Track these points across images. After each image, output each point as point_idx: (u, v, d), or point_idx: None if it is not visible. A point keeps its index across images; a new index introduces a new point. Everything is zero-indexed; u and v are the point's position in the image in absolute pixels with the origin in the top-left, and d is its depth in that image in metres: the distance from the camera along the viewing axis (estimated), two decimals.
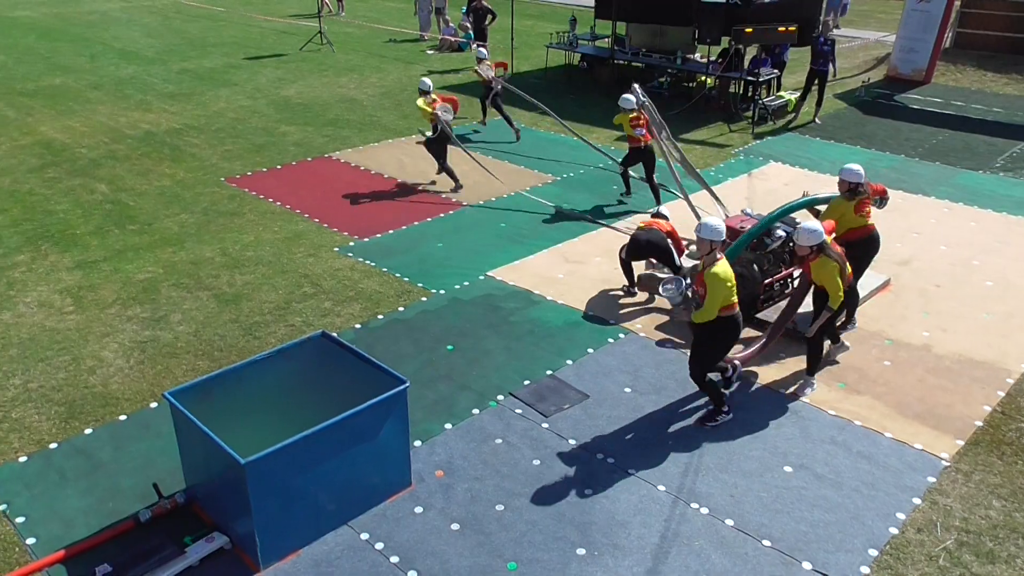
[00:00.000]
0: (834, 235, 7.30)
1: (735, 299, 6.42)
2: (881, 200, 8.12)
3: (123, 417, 6.77)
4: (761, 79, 15.72)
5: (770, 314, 8.19)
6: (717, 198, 10.21)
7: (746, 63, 16.07)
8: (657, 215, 9.02)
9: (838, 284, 6.61)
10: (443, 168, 11.71)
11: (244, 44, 23.30)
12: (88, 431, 6.59)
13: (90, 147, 13.78)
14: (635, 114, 10.58)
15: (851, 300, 7.55)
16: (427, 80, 11.66)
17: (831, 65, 15.07)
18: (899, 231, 10.44)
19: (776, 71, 16.73)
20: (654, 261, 8.87)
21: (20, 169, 12.67)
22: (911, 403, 7.04)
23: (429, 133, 11.65)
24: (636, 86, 10.62)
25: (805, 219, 7.54)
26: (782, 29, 14.73)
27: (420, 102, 11.43)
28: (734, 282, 6.39)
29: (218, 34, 24.99)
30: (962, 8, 20.44)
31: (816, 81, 15.15)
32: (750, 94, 16.10)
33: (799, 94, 15.97)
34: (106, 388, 7.15)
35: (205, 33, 25.15)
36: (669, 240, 8.55)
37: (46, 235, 10.27)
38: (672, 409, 6.94)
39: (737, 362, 7.26)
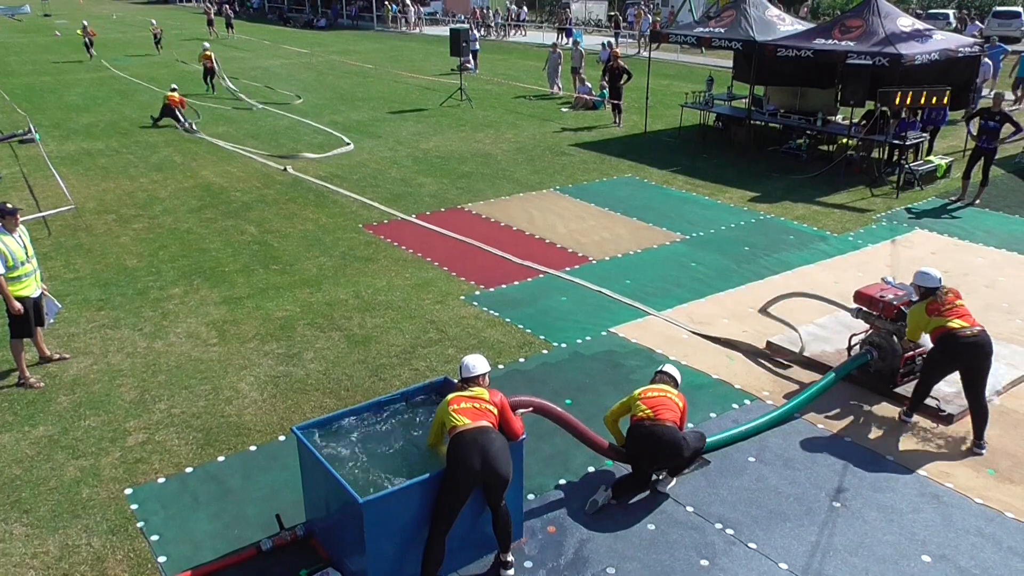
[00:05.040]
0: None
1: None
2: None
3: (253, 448, 7.08)
4: (908, 143, 15.03)
5: (910, 389, 7.70)
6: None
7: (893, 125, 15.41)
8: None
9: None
10: None
11: (389, 99, 24.54)
12: (221, 458, 6.93)
13: (244, 191, 14.78)
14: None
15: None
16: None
17: (1018, 132, 13.38)
18: None
19: (925, 135, 15.97)
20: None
21: (182, 209, 13.74)
22: None
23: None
24: None
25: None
26: (935, 101, 13.80)
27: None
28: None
29: (366, 89, 26.47)
30: None
31: (982, 160, 13.60)
32: (895, 158, 15.42)
33: (950, 160, 15.14)
34: (240, 418, 7.52)
35: (355, 88, 26.70)
36: None
37: (199, 271, 11.03)
38: (799, 483, 6.58)
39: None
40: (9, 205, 7.91)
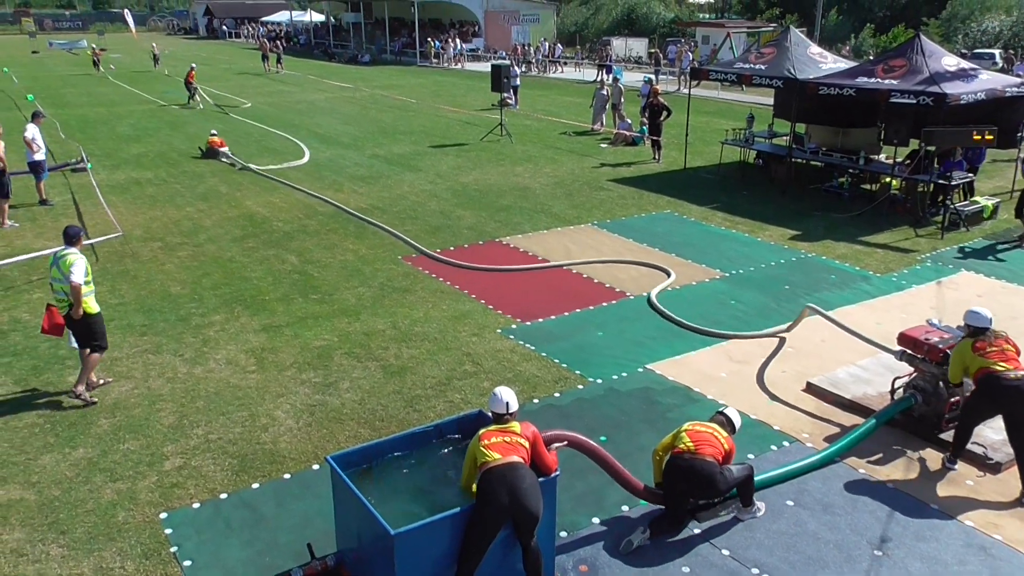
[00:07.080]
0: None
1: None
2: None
3: (287, 475, 7.11)
4: (953, 183, 14.80)
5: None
6: None
7: (937, 165, 15.19)
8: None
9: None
10: None
11: (431, 133, 24.87)
12: (255, 485, 6.97)
13: (286, 221, 15.03)
14: None
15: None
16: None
17: None
18: None
19: (971, 175, 15.71)
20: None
21: (225, 238, 14.00)
22: None
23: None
24: None
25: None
26: (977, 137, 13.61)
27: None
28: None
29: (408, 123, 26.88)
30: None
31: None
32: (940, 198, 15.17)
33: (996, 201, 14.84)
34: (275, 446, 7.57)
35: (396, 122, 27.13)
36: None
37: (240, 299, 11.20)
38: (839, 529, 6.40)
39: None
40: (77, 226, 8.60)
